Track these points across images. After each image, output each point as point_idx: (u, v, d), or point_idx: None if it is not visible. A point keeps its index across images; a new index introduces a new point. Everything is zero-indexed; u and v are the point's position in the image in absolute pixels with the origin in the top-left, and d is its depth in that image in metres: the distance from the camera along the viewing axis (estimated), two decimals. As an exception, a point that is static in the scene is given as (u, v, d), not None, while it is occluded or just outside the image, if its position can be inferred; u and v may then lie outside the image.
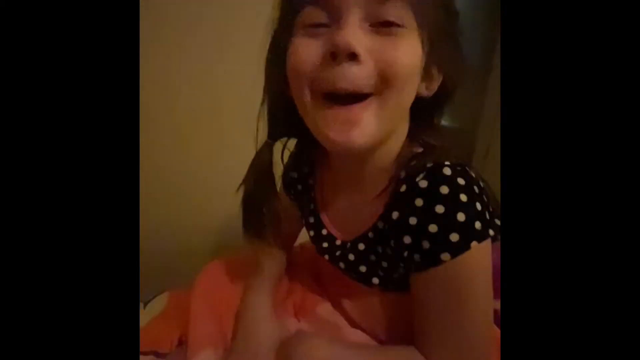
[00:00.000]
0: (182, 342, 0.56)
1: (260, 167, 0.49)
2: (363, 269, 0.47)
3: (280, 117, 0.46)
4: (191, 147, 1.05)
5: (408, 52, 0.37)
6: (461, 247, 0.37)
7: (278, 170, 0.54)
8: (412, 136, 0.45)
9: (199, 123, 1.03)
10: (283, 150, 0.53)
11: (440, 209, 0.38)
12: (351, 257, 0.48)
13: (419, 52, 0.38)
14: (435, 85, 0.43)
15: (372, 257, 0.46)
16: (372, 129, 0.38)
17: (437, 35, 0.40)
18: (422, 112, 0.45)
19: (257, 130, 0.48)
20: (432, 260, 0.38)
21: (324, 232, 0.53)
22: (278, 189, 0.53)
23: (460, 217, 0.37)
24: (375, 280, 0.47)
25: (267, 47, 0.44)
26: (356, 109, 0.37)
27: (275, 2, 0.43)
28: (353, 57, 0.36)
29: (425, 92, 0.43)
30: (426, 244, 0.38)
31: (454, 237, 0.37)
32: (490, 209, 0.41)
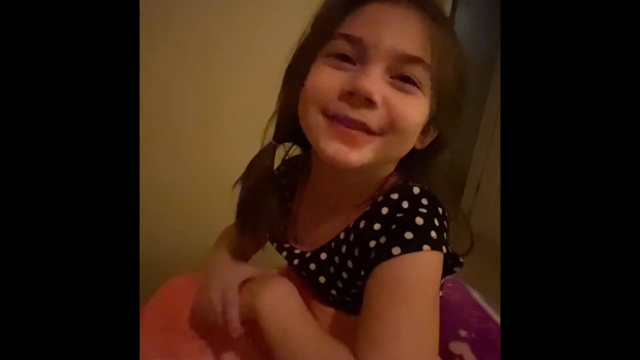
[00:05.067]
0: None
1: (262, 166, 0.50)
2: (322, 279, 0.48)
3: (288, 123, 0.47)
4: (187, 154, 1.05)
5: (418, 110, 0.41)
6: (413, 246, 0.38)
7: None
8: (400, 174, 0.48)
9: (195, 129, 1.03)
10: (284, 157, 0.55)
11: (400, 214, 0.41)
12: (312, 266, 0.49)
13: (426, 112, 0.41)
14: (428, 140, 0.46)
15: (332, 269, 0.47)
16: (368, 158, 0.41)
17: (444, 101, 0.43)
18: (413, 157, 0.47)
19: (266, 131, 0.50)
20: (384, 253, 0.39)
21: (286, 245, 0.54)
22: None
23: (419, 221, 0.40)
24: (334, 292, 0.48)
25: (291, 58, 0.46)
26: (361, 136, 0.40)
27: (311, 20, 0.45)
28: (370, 102, 0.38)
29: (418, 145, 0.46)
30: (383, 239, 0.40)
31: (408, 235, 0.39)
32: (446, 237, 0.42)
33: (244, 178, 0.51)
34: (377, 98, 0.38)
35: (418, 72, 0.39)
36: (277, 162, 0.54)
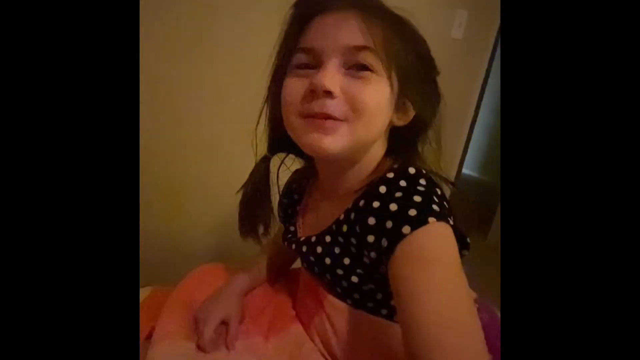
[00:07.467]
0: (150, 335, 0.56)
1: (258, 176, 0.58)
2: (328, 261, 0.52)
3: (278, 135, 0.54)
4: (189, 150, 1.08)
5: (374, 92, 0.46)
6: (419, 221, 0.41)
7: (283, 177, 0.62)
8: (391, 157, 0.53)
9: (197, 127, 1.06)
10: (280, 167, 0.61)
11: (399, 194, 0.44)
12: (319, 249, 0.53)
13: (386, 92, 0.47)
14: (408, 118, 0.51)
15: (336, 249, 0.51)
16: (342, 142, 0.46)
17: (406, 79, 0.48)
18: (402, 137, 0.53)
19: (256, 145, 0.57)
20: (395, 237, 0.41)
21: (295, 237, 0.60)
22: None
23: (417, 198, 0.42)
24: (340, 272, 0.51)
25: (269, 78, 0.53)
26: (330, 123, 0.45)
27: (277, 40, 0.52)
28: (328, 94, 0.44)
29: (398, 122, 0.51)
30: (389, 224, 0.42)
31: (412, 212, 0.41)
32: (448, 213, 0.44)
33: (244, 186, 0.58)
34: (331, 87, 0.44)
35: (368, 57, 0.45)
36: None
